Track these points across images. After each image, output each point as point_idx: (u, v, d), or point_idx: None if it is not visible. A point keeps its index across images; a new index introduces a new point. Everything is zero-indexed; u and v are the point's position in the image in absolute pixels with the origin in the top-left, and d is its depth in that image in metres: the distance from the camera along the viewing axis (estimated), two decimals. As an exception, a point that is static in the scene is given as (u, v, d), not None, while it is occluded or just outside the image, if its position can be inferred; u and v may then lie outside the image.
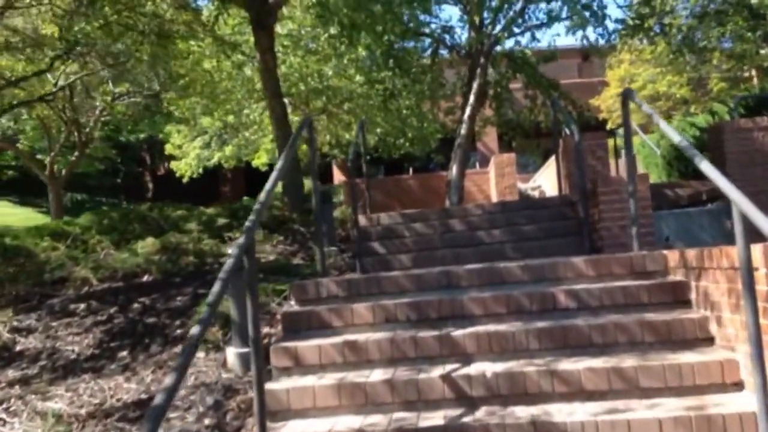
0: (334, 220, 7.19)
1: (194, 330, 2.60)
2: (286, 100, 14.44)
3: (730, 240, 6.81)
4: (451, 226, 7.16)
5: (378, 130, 14.35)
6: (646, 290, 4.03)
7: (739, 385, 3.28)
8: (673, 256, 4.20)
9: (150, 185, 34.24)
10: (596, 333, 3.73)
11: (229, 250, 4.41)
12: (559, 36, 20.28)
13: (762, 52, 24.65)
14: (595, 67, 33.48)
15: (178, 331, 4.73)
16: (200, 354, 4.33)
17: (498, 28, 11.06)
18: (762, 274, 2.89)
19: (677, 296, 3.98)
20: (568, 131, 8.95)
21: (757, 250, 2.89)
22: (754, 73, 26.23)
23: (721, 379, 3.29)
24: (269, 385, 3.65)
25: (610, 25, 14.01)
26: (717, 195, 7.79)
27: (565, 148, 7.74)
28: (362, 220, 7.46)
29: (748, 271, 2.81)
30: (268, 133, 15.13)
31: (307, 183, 10.41)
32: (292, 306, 4.62)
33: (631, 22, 12.72)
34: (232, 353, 4.12)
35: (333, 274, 6.41)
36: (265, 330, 4.48)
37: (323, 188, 7.18)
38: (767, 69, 24.17)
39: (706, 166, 3.35)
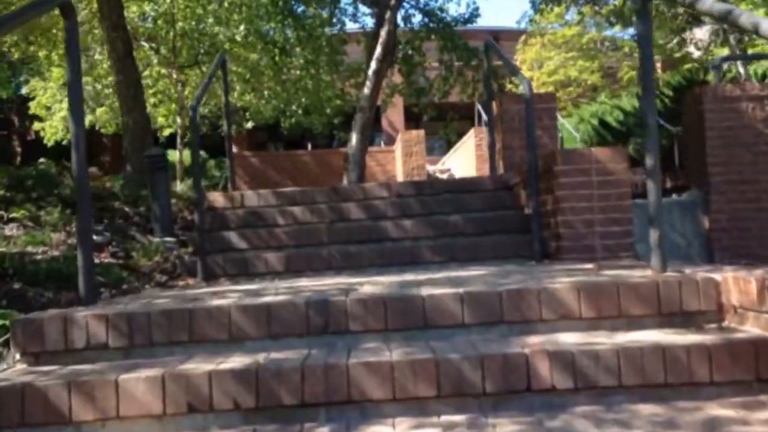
0: (170, 198, 4.88)
1: None
2: (147, 45, 11.77)
3: (708, 242, 5.00)
4: (346, 213, 5.06)
5: (266, 92, 11.98)
6: (703, 355, 2.08)
7: None
8: (743, 284, 2.26)
9: (19, 150, 30.17)
10: (628, 460, 1.73)
11: None
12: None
13: (669, 45, 24.15)
14: (506, 50, 32.41)
15: None
16: None
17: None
18: None
19: (761, 372, 2.06)
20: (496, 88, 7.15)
21: None
22: (659, 65, 25.82)
23: None
24: None
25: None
26: (685, 184, 6.11)
27: (500, 112, 5.79)
28: (219, 199, 5.23)
29: None
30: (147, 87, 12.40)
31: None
32: (14, 366, 2.35)
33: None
34: None
35: (158, 279, 4.15)
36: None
37: (156, 150, 4.86)
38: (674, 60, 23.69)
39: None
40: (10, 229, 4.39)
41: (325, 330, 2.40)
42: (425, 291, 2.48)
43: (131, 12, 11.34)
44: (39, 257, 3.90)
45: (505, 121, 5.75)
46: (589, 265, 3.67)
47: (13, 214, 4.51)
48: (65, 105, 18.16)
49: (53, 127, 19.26)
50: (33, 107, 19.23)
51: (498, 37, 34.66)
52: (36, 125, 19.88)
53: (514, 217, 4.90)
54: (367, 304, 2.42)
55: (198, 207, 4.35)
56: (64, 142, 17.77)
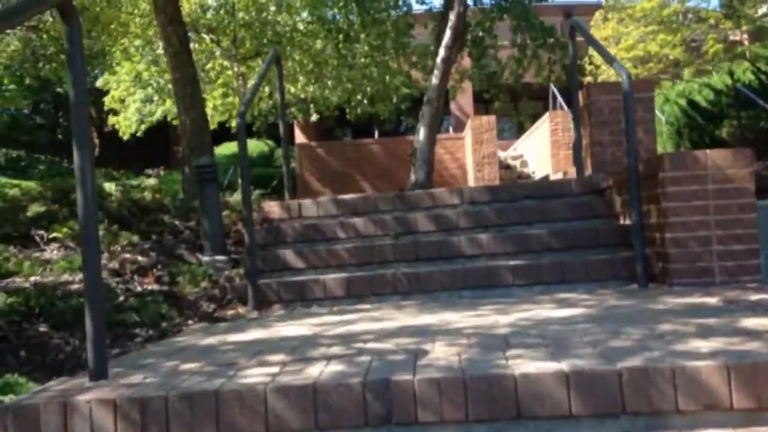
0: (221, 212, 4.44)
1: None
2: (207, 37, 11.49)
3: None
4: (413, 225, 4.52)
5: (329, 82, 11.52)
6: None
7: None
8: None
9: (97, 142, 31.11)
10: None
11: None
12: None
13: (762, 10, 22.30)
14: (579, 26, 30.82)
15: None
16: None
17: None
18: None
19: None
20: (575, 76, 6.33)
21: None
22: (746, 36, 23.95)
23: None
24: None
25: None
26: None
27: (587, 103, 5.08)
28: (275, 209, 4.78)
29: None
30: (211, 81, 12.19)
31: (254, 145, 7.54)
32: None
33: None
34: None
35: (204, 309, 3.72)
36: None
37: (205, 159, 4.42)
38: (760, 29, 21.86)
39: None
40: (50, 251, 4.06)
41: (388, 420, 1.86)
42: (517, 367, 1.90)
43: (192, 2, 11.07)
44: (75, 287, 3.52)
45: (593, 114, 5.04)
46: (713, 300, 3.00)
47: (55, 234, 4.18)
48: (138, 97, 18.27)
49: (127, 119, 19.46)
50: (107, 102, 19.48)
51: (571, 12, 33.11)
52: (111, 119, 20.18)
53: (608, 228, 4.22)
54: (441, 386, 1.86)
55: (247, 225, 3.89)
56: (138, 134, 17.91)
